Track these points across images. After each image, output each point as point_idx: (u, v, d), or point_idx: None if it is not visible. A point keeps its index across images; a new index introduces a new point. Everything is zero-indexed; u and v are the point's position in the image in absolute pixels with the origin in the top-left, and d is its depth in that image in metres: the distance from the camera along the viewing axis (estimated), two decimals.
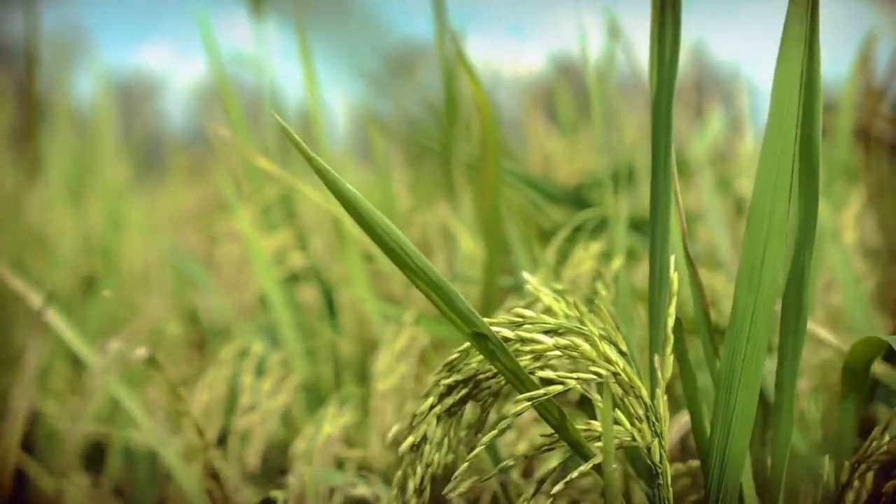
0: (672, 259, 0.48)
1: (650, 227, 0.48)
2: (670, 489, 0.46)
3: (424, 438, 0.47)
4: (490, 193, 0.74)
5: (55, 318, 0.79)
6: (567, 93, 1.22)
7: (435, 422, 0.47)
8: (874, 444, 0.48)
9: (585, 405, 0.62)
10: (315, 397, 0.83)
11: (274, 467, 0.85)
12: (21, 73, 1.14)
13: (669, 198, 0.48)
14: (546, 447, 0.47)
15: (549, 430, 0.47)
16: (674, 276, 0.48)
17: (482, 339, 0.44)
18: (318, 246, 0.93)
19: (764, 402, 0.78)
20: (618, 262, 0.65)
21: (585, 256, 0.67)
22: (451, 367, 0.47)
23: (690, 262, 0.49)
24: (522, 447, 0.65)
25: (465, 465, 0.46)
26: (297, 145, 0.42)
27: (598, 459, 0.45)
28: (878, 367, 0.62)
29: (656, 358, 0.47)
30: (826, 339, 0.67)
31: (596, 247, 0.68)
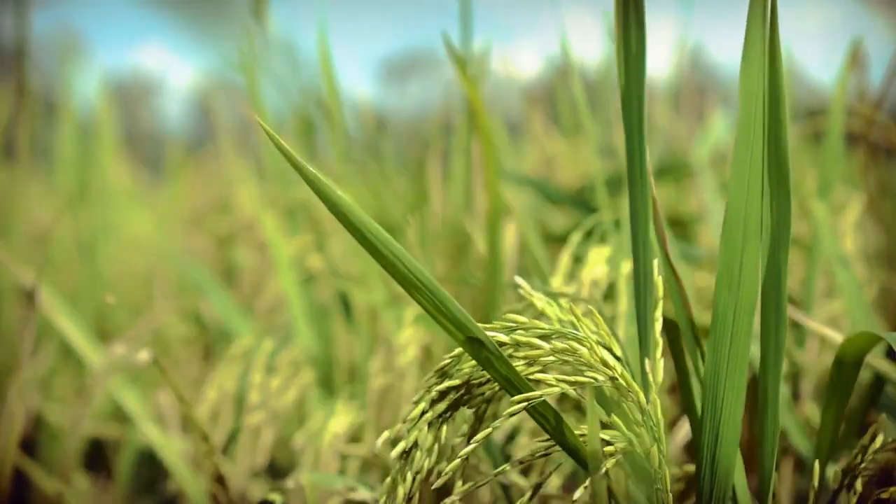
0: (655, 263, 0.48)
1: (631, 233, 0.49)
2: (669, 494, 0.46)
3: (415, 445, 0.46)
4: (491, 197, 0.74)
5: (60, 320, 0.79)
6: (569, 94, 1.22)
7: (426, 428, 0.46)
8: (866, 450, 0.48)
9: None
10: (328, 395, 0.83)
11: (285, 464, 0.85)
12: (15, 72, 1.13)
13: (648, 202, 0.48)
14: (543, 452, 0.47)
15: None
16: (658, 280, 0.48)
17: (476, 346, 0.44)
18: (337, 248, 0.93)
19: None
20: (627, 266, 0.65)
21: (598, 259, 0.67)
22: (442, 373, 0.47)
23: (671, 267, 0.49)
24: (523, 446, 0.65)
25: (457, 461, 0.46)
26: (286, 154, 0.42)
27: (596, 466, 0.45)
28: (885, 366, 0.62)
29: (647, 362, 0.47)
30: (829, 336, 0.67)
31: (606, 250, 0.68)
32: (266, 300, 0.95)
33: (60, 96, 1.36)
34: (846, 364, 0.52)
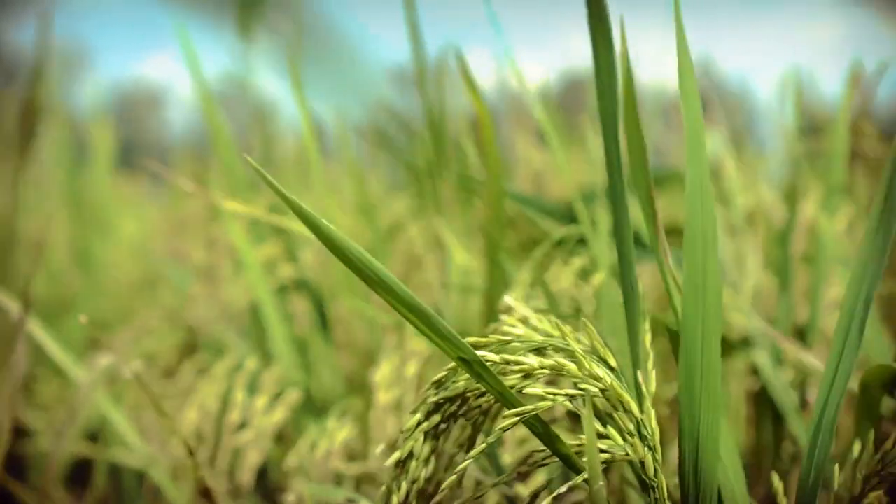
0: (637, 275, 0.48)
1: (616, 244, 0.49)
2: (667, 501, 0.46)
3: (411, 454, 0.47)
4: (493, 209, 0.74)
5: (38, 332, 0.78)
6: (555, 107, 1.22)
7: (422, 438, 0.47)
8: (887, 455, 0.47)
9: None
10: (311, 412, 0.82)
11: (270, 485, 0.84)
12: (24, 83, 1.13)
13: (627, 217, 0.48)
14: (541, 462, 0.47)
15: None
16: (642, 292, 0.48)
17: (468, 363, 0.44)
18: (309, 257, 0.92)
19: (773, 414, 0.78)
20: (599, 278, 0.65)
21: (565, 272, 0.67)
22: (439, 385, 0.48)
23: (675, 282, 0.49)
24: (509, 459, 0.65)
25: (453, 478, 0.46)
26: (272, 187, 0.42)
27: (587, 475, 0.44)
28: None
29: (639, 373, 0.47)
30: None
31: (577, 262, 0.68)
32: (237, 306, 0.93)
33: (57, 105, 1.36)
34: (872, 398, 0.52)
